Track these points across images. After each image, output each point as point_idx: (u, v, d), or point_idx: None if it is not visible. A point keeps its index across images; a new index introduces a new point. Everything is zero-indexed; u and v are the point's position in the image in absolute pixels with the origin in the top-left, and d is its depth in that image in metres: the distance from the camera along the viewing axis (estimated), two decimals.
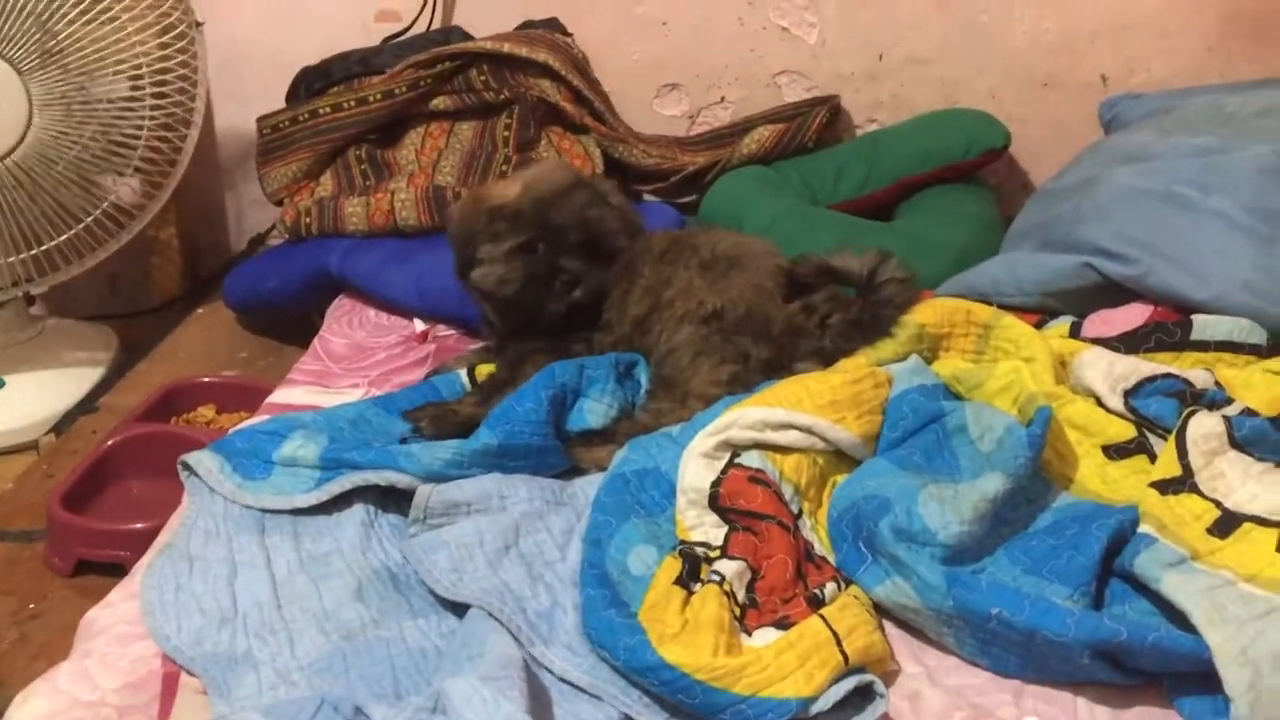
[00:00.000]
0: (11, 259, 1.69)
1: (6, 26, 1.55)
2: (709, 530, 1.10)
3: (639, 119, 2.00)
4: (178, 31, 1.70)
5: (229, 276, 1.92)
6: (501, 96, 1.86)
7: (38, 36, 1.57)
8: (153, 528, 1.23)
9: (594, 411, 1.29)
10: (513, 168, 1.81)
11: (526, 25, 1.97)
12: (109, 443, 1.46)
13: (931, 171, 1.79)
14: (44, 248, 1.70)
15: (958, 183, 1.80)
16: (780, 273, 1.33)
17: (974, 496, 1.07)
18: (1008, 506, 1.09)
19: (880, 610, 1.05)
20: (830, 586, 1.04)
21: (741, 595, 1.03)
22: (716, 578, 1.03)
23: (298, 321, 1.84)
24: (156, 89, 1.70)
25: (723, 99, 2.01)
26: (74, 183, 1.68)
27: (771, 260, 1.35)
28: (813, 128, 1.87)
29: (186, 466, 1.24)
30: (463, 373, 1.41)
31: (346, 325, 1.66)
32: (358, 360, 1.56)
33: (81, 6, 1.60)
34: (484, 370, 1.41)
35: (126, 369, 1.81)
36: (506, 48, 1.85)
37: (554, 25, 1.97)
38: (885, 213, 1.81)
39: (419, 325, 1.62)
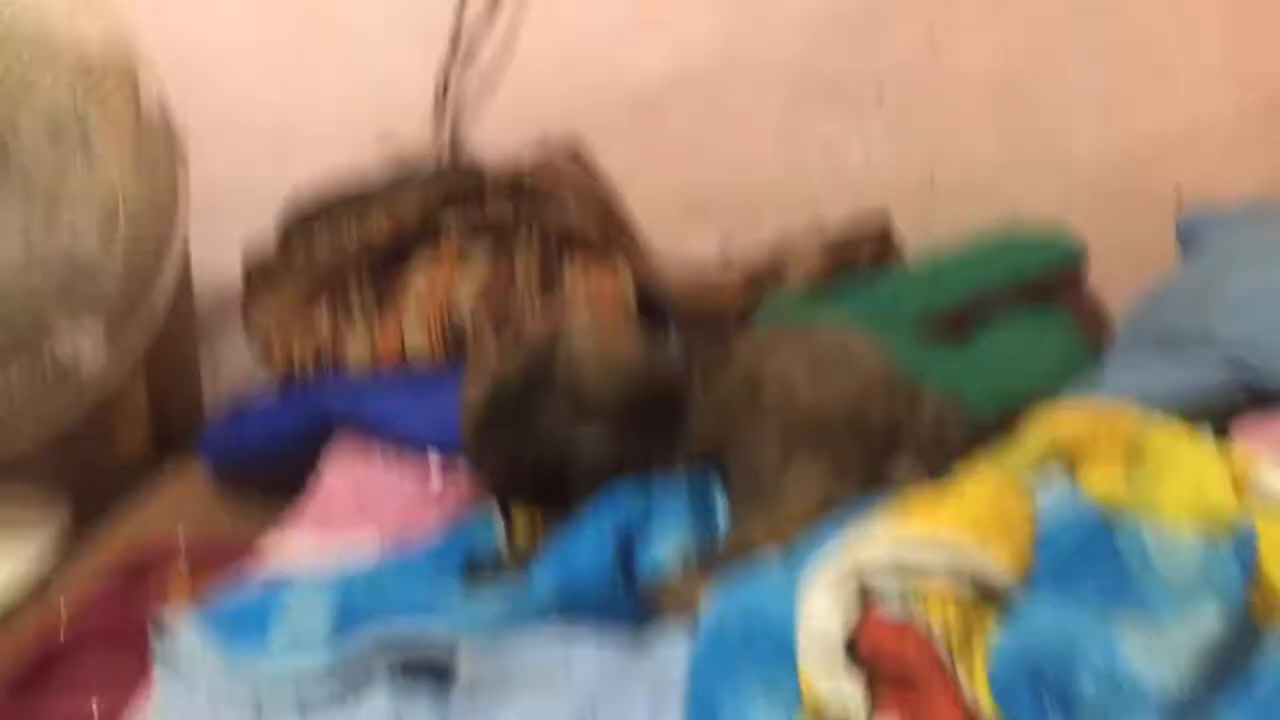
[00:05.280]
0: None
1: None
2: (845, 687, 0.85)
3: (667, 249, 1.82)
4: (159, 167, 1.53)
5: (207, 432, 1.69)
6: (519, 221, 1.68)
7: None
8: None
9: (667, 541, 1.06)
10: (538, 307, 1.62)
11: (544, 145, 1.80)
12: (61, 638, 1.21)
13: (1002, 292, 1.60)
14: None
15: (1030, 303, 1.62)
16: (887, 372, 1.16)
17: (1186, 636, 0.84)
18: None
19: None
20: None
21: None
22: None
23: (285, 489, 1.59)
24: (130, 226, 1.51)
25: (759, 225, 1.83)
26: (28, 323, 1.46)
27: (879, 360, 1.17)
28: (864, 253, 1.70)
29: (161, 637, 0.98)
30: (495, 516, 1.18)
31: (349, 464, 1.43)
32: (365, 500, 1.34)
33: (50, 126, 1.42)
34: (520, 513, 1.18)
35: (83, 535, 1.55)
36: (524, 171, 1.69)
37: (574, 145, 1.81)
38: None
39: (434, 462, 1.40)
